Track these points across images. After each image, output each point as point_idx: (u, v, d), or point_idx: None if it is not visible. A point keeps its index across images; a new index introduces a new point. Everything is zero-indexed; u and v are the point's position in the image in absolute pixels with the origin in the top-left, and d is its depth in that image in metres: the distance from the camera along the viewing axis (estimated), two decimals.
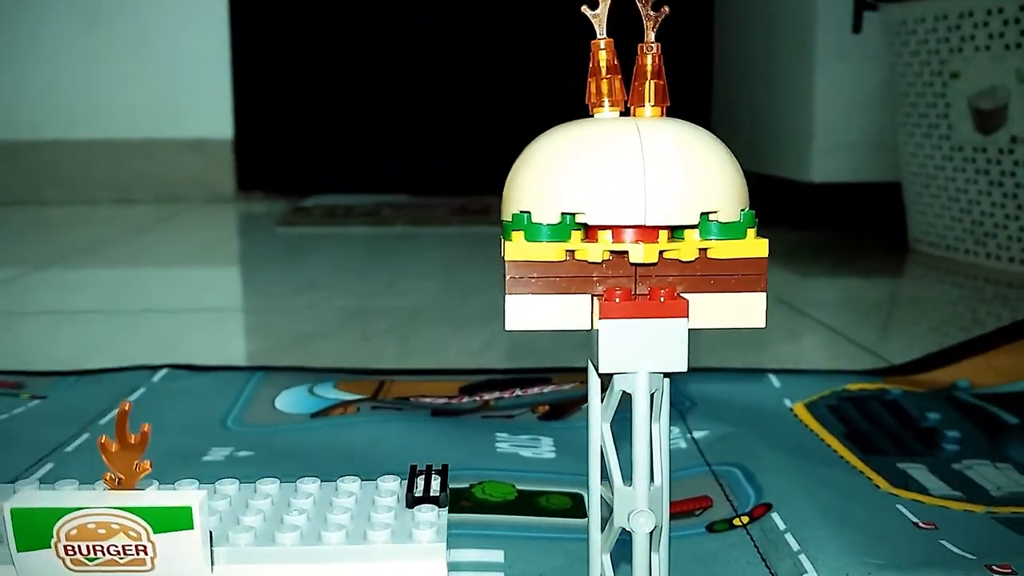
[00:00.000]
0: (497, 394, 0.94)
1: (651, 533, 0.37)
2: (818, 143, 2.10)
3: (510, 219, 0.37)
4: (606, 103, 0.37)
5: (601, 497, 0.39)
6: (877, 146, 2.06)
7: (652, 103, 0.37)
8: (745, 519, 0.65)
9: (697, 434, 0.80)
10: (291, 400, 0.92)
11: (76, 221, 2.60)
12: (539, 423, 0.85)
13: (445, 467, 0.40)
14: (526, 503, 0.69)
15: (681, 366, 0.36)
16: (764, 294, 0.37)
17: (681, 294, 0.36)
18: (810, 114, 2.09)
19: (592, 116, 0.38)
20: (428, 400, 0.93)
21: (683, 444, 0.78)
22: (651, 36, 0.37)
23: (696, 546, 0.62)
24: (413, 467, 0.40)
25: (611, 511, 0.39)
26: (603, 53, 0.37)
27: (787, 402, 0.91)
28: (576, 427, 0.84)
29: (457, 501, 0.69)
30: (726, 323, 0.37)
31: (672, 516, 0.39)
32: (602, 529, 0.40)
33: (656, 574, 0.38)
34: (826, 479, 0.70)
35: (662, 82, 0.37)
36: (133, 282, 1.69)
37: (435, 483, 0.39)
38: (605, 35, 0.38)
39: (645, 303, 0.36)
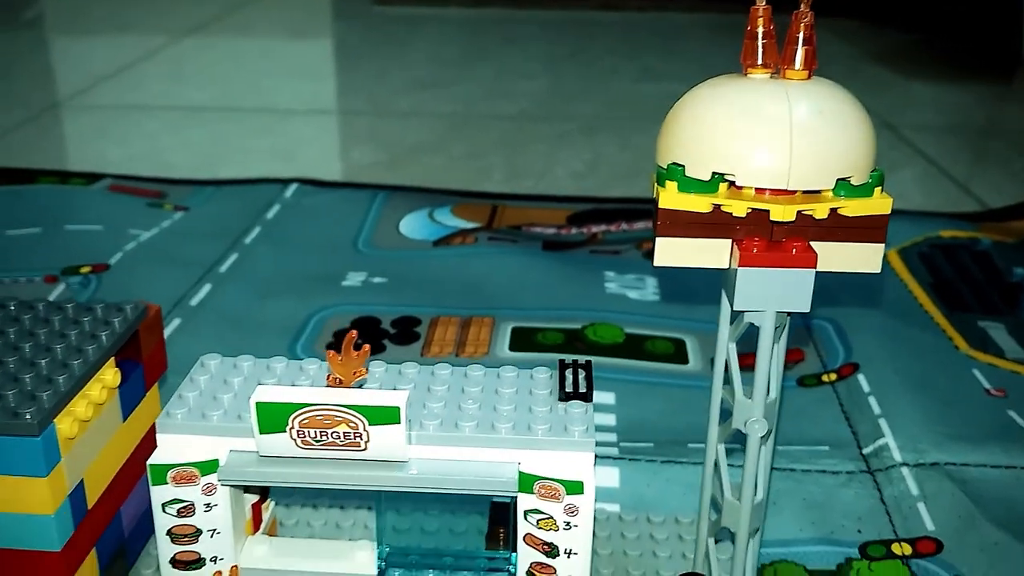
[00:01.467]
0: (604, 226, 1.00)
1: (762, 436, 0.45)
2: None
3: (665, 167, 0.42)
4: (760, 64, 0.41)
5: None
6: None
7: (801, 67, 0.41)
8: (833, 376, 0.72)
9: None
10: (414, 225, 0.99)
11: None
12: (644, 261, 0.92)
13: (589, 363, 0.48)
14: (633, 346, 0.77)
15: (805, 308, 0.42)
16: (883, 245, 0.42)
17: (810, 242, 0.42)
18: None
19: (746, 75, 0.42)
20: (539, 230, 0.99)
21: None
22: (805, 7, 0.41)
23: (786, 399, 0.69)
24: (562, 362, 0.47)
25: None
26: (760, 19, 0.41)
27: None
28: (679, 268, 0.90)
29: (571, 342, 0.77)
30: (846, 268, 0.43)
31: None
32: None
33: (763, 464, 0.46)
34: (911, 339, 0.76)
35: (811, 48, 0.41)
36: (242, 72, 1.74)
37: (581, 378, 0.47)
38: (765, 3, 0.41)
39: (779, 253, 0.41)
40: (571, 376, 0.47)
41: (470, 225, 1.00)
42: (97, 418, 0.47)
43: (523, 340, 0.77)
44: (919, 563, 0.53)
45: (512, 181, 1.16)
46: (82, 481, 0.46)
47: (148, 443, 0.53)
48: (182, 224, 1.00)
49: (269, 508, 0.50)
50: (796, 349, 0.77)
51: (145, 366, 0.52)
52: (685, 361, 0.75)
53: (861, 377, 0.71)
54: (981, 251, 0.96)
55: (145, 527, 0.53)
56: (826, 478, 0.60)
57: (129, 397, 0.50)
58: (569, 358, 0.48)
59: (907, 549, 0.54)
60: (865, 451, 0.63)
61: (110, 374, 0.48)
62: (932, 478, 0.59)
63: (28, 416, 0.42)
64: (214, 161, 1.22)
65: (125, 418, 0.50)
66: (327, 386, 0.42)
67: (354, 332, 0.41)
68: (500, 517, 0.48)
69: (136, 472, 0.52)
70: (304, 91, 1.63)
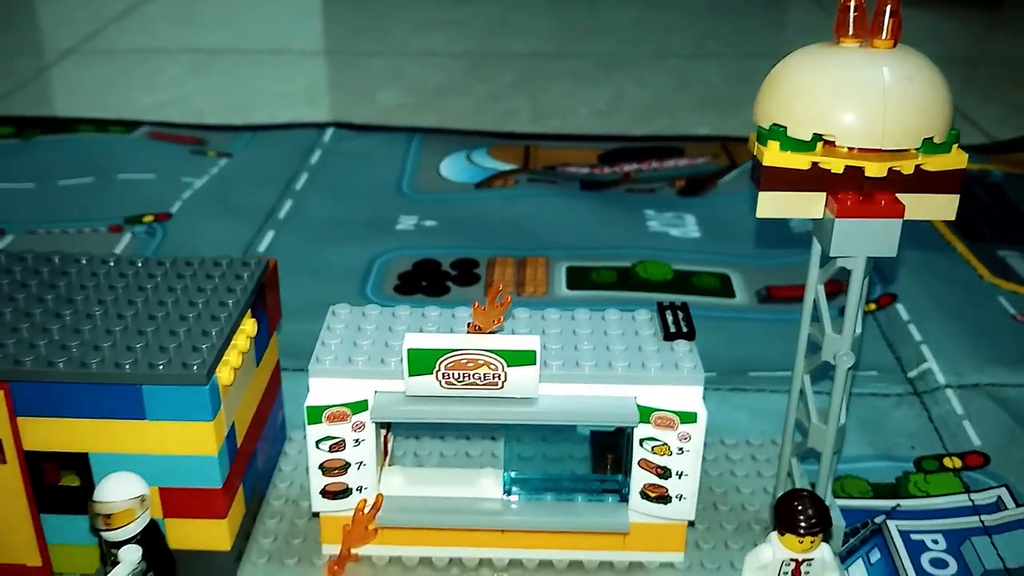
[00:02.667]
0: (635, 165, 1.05)
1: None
2: None
3: (767, 128, 0.47)
4: (851, 34, 0.46)
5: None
6: None
7: (888, 37, 0.46)
8: (873, 306, 0.78)
9: None
10: (454, 168, 1.03)
11: None
12: (679, 199, 0.97)
13: (685, 305, 0.53)
14: (682, 282, 0.82)
15: (892, 253, 0.48)
16: (958, 195, 0.47)
17: (897, 195, 0.47)
18: None
19: (838, 43, 0.46)
20: (573, 170, 1.04)
21: None
22: None
23: None
24: (660, 304, 0.52)
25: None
26: None
27: None
28: (714, 204, 0.95)
29: (624, 280, 0.82)
30: (926, 216, 0.48)
31: None
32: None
33: (844, 391, 0.51)
34: (940, 270, 0.82)
35: (898, 19, 0.45)
36: (248, 10, 1.75)
37: (681, 318, 0.52)
38: None
39: (871, 205, 0.46)
40: (671, 317, 0.52)
41: (507, 167, 1.04)
42: (242, 365, 0.51)
43: (579, 278, 0.81)
44: (969, 475, 0.59)
45: (538, 122, 1.20)
46: (233, 424, 0.51)
47: (272, 386, 0.58)
48: (229, 171, 1.03)
49: (391, 440, 0.55)
50: (835, 281, 0.82)
51: (269, 315, 0.57)
52: (732, 295, 0.80)
53: (900, 307, 0.76)
54: (993, 183, 1.01)
55: (270, 463, 0.58)
56: (878, 400, 0.66)
57: (260, 344, 0.55)
58: (666, 300, 0.53)
59: (957, 463, 0.60)
60: (910, 375, 0.69)
61: (249, 325, 0.52)
62: (975, 399, 0.65)
63: (195, 367, 0.47)
64: (243, 106, 1.25)
65: (258, 364, 0.55)
66: (467, 333, 0.47)
67: (499, 284, 0.46)
68: (604, 444, 0.53)
69: (264, 412, 0.56)
70: (315, 31, 1.64)
